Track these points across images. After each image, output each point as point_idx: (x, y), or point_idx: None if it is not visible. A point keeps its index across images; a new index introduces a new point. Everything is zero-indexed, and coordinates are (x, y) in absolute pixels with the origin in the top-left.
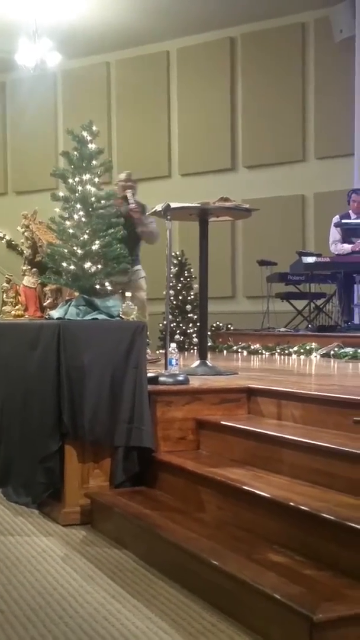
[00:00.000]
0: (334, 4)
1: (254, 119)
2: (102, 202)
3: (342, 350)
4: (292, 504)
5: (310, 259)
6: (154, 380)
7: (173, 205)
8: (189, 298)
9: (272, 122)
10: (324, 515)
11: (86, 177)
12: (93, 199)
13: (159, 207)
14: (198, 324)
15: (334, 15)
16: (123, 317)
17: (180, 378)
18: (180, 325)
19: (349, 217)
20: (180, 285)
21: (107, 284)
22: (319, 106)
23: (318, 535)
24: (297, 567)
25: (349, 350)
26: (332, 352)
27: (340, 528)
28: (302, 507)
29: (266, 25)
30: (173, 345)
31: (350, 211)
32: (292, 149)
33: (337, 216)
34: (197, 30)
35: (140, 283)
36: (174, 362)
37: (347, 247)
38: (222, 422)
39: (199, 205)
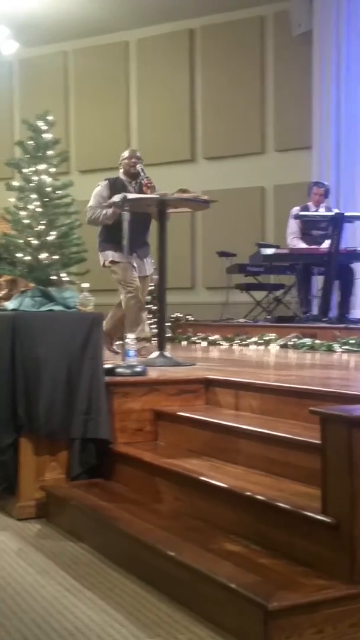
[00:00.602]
0: None
1: (214, 110)
2: (58, 192)
3: (301, 341)
4: (248, 493)
5: (269, 251)
6: (111, 371)
7: (130, 196)
8: (148, 289)
9: (232, 114)
10: (279, 504)
11: (42, 167)
12: (49, 189)
13: (116, 198)
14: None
15: (292, 9)
16: (80, 308)
17: (138, 369)
18: None
19: (308, 209)
20: None
21: (63, 274)
22: (278, 99)
23: (273, 524)
24: (252, 556)
25: (307, 340)
26: (290, 343)
27: (295, 517)
28: (258, 497)
29: (225, 18)
30: (131, 336)
31: (309, 203)
32: (251, 141)
33: (297, 208)
34: (156, 21)
35: (148, 281)
36: (131, 353)
37: (303, 246)
38: (179, 413)
39: (156, 196)
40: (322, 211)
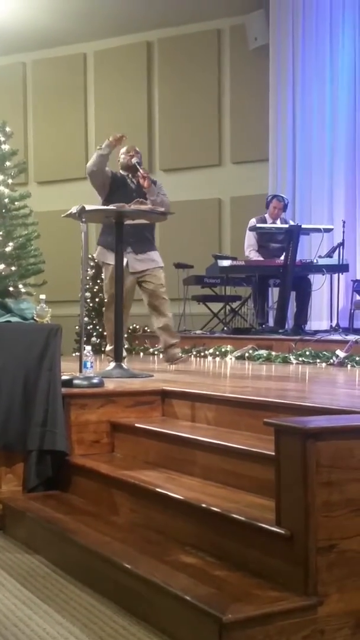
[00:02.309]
0: (248, 12)
1: (171, 123)
2: (16, 203)
3: (257, 353)
4: (203, 505)
5: (226, 262)
6: (68, 383)
7: (88, 207)
8: (105, 300)
9: (189, 127)
10: (234, 515)
11: None
12: (6, 200)
13: (73, 210)
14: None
15: (249, 23)
16: (37, 319)
17: (95, 381)
18: (97, 327)
19: (265, 221)
20: (97, 287)
21: (20, 286)
22: (235, 112)
23: (228, 535)
24: (207, 568)
25: (263, 352)
26: (246, 355)
27: (250, 528)
28: (213, 508)
29: (183, 31)
30: (88, 347)
31: (266, 215)
32: (208, 153)
33: (254, 220)
34: (114, 33)
35: (158, 274)
36: (88, 364)
37: (259, 258)
38: (136, 425)
39: (114, 207)
40: (279, 224)
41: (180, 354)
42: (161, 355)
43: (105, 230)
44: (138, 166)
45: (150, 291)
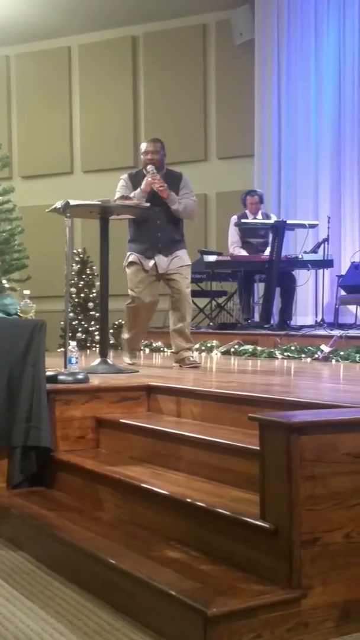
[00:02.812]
0: (234, 7)
1: (156, 117)
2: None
3: (242, 348)
4: (188, 500)
5: (212, 258)
6: (53, 379)
7: (73, 202)
8: (91, 296)
9: (175, 122)
10: (219, 510)
11: None
12: None
13: (58, 204)
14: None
15: (234, 18)
16: (21, 315)
17: (80, 376)
18: (82, 323)
19: (246, 217)
20: (82, 283)
21: (4, 281)
22: (221, 107)
23: (213, 530)
24: (193, 563)
25: (249, 347)
26: (232, 350)
27: (234, 523)
28: (198, 503)
29: (168, 25)
30: (73, 343)
31: (247, 211)
32: (194, 148)
33: (235, 216)
34: (99, 27)
35: (184, 272)
36: (73, 360)
37: (244, 254)
38: (121, 420)
39: (99, 202)
40: (260, 219)
41: (192, 358)
42: (170, 355)
43: (130, 237)
44: (152, 177)
45: (176, 290)
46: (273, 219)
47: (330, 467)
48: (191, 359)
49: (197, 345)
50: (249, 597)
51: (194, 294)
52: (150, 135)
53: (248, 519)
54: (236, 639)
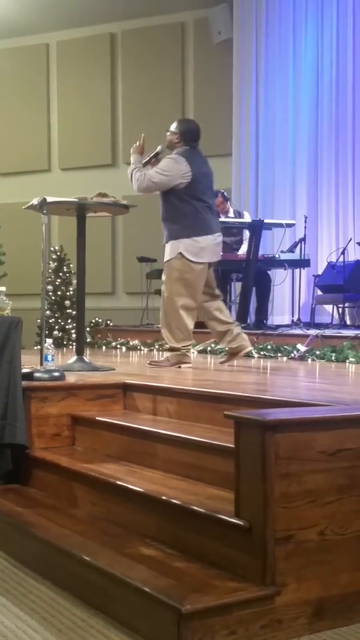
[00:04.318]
0: (212, 6)
1: (135, 115)
2: None
3: (219, 346)
4: (164, 497)
5: None
6: (28, 376)
7: (49, 199)
8: (68, 294)
9: (153, 119)
10: (194, 508)
11: None
12: None
13: (35, 201)
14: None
15: (212, 16)
16: None
17: (56, 374)
18: (59, 321)
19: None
20: (59, 280)
21: None
22: (199, 105)
23: (188, 528)
24: (167, 560)
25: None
26: (209, 348)
27: (209, 520)
28: (174, 501)
29: (146, 23)
30: (49, 341)
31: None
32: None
33: None
34: (77, 24)
35: (166, 268)
36: (49, 357)
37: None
38: (97, 418)
39: (76, 200)
40: (232, 216)
41: (165, 358)
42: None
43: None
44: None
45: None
46: (246, 216)
47: (305, 465)
48: (165, 359)
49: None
50: (223, 594)
51: None
52: (129, 132)
53: (223, 517)
54: (210, 635)
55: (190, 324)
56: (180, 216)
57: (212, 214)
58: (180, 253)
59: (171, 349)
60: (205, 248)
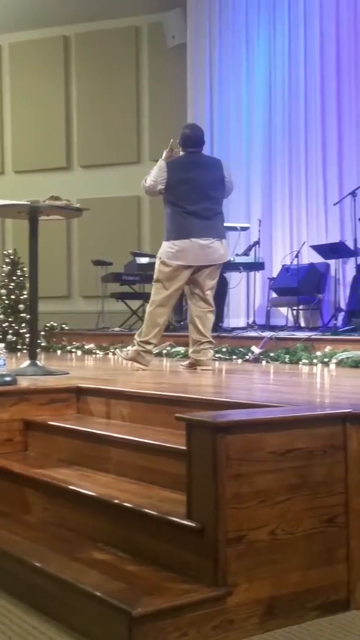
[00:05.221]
0: (166, 10)
1: (90, 118)
2: None
3: (174, 349)
4: (116, 501)
5: (144, 260)
6: None
7: (0, 202)
8: (21, 297)
9: (108, 123)
10: (146, 510)
11: None
12: None
13: None
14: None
15: (166, 21)
16: None
17: (8, 379)
18: (13, 325)
19: None
20: (12, 284)
21: None
22: (153, 109)
23: (141, 531)
24: (119, 564)
25: (181, 349)
26: (164, 352)
27: (161, 523)
28: (126, 504)
29: (100, 26)
30: (1, 345)
31: None
32: (127, 150)
33: None
34: (30, 26)
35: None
36: (1, 362)
37: None
38: (50, 423)
39: (27, 203)
40: None
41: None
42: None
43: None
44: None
45: None
46: None
47: (256, 465)
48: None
49: (128, 348)
50: (174, 596)
51: (127, 296)
52: (83, 135)
53: (175, 519)
54: (162, 638)
55: (156, 324)
56: (166, 220)
57: (197, 218)
58: (159, 255)
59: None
60: (183, 251)
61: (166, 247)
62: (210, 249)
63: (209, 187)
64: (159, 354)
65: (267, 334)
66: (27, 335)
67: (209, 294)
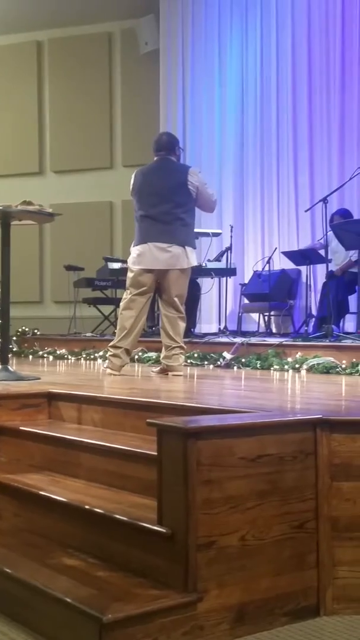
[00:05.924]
0: (139, 17)
1: (62, 124)
2: None
3: (146, 355)
4: (87, 507)
5: (116, 265)
6: None
7: None
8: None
9: (81, 128)
10: (117, 516)
11: None
12: None
13: None
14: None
15: (139, 27)
16: None
17: None
18: None
19: None
20: None
21: None
22: (126, 115)
23: (111, 536)
24: (90, 570)
25: (152, 354)
26: (136, 357)
27: (132, 528)
28: (96, 510)
29: (74, 32)
30: None
31: None
32: (100, 155)
33: None
34: (3, 31)
35: None
36: None
37: None
38: (21, 428)
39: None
40: None
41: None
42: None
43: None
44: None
45: None
46: None
47: (226, 471)
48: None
49: (101, 353)
50: (145, 602)
51: (99, 301)
52: (56, 140)
53: (145, 524)
54: None
55: (122, 328)
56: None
57: (155, 221)
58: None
59: None
60: (142, 255)
61: (131, 253)
62: (168, 253)
63: (169, 191)
64: (131, 359)
65: (239, 339)
66: None
67: (177, 301)
